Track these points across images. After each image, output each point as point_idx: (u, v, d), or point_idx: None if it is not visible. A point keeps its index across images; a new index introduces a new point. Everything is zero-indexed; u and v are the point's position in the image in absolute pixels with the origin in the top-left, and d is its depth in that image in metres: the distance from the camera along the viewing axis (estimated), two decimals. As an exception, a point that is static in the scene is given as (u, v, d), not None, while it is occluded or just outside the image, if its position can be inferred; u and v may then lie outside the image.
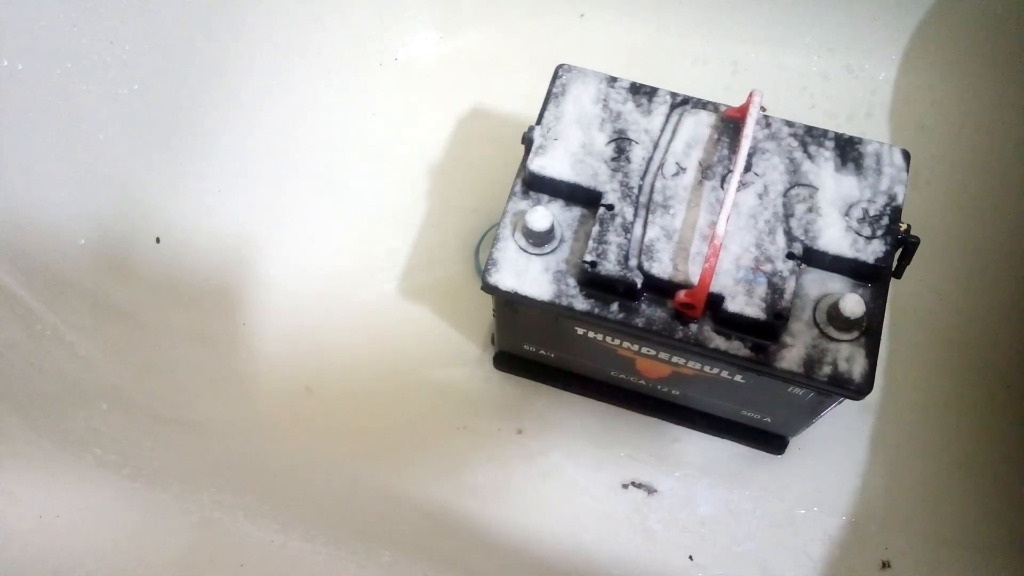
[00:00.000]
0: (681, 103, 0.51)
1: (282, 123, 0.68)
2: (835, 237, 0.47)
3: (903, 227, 0.48)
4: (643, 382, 0.58)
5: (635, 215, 0.48)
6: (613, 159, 0.49)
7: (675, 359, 0.51)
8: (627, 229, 0.47)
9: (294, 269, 0.67)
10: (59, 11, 0.52)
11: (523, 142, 0.50)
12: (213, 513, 0.47)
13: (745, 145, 0.46)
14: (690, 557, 0.60)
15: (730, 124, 0.50)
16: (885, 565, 0.59)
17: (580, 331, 0.52)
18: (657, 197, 0.48)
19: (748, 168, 0.49)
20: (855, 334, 0.46)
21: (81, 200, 0.55)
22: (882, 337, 0.47)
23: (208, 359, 0.61)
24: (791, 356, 0.46)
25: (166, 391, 0.56)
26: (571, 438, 0.63)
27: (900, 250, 0.48)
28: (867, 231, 0.47)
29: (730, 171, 0.48)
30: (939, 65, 0.73)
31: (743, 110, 0.48)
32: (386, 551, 0.51)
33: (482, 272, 0.48)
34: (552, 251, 0.48)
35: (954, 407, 0.64)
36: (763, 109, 0.49)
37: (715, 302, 0.46)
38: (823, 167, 0.49)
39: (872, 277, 0.47)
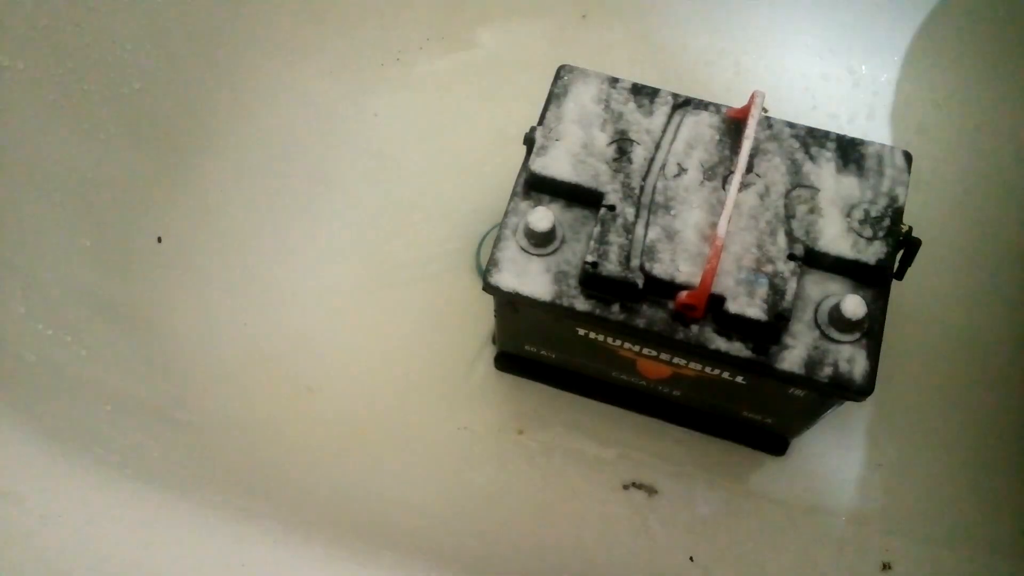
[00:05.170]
0: (683, 104, 0.51)
1: (283, 122, 0.68)
2: (836, 238, 0.47)
3: (905, 228, 0.48)
4: (644, 383, 0.58)
5: (636, 216, 0.48)
6: (615, 160, 0.49)
7: (676, 360, 0.51)
8: (628, 230, 0.47)
9: (294, 269, 0.67)
10: (61, 10, 0.52)
11: (524, 142, 0.50)
12: (214, 513, 0.47)
13: (747, 146, 0.46)
14: (691, 558, 0.59)
15: (732, 125, 0.50)
16: (886, 567, 0.59)
17: (581, 332, 0.51)
18: (659, 198, 0.48)
19: (749, 169, 0.49)
20: (856, 335, 0.46)
21: (83, 200, 0.55)
22: (883, 339, 0.47)
23: (209, 359, 0.61)
24: (792, 357, 0.46)
25: (168, 391, 0.56)
26: (572, 439, 0.63)
27: (901, 251, 0.48)
28: (868, 232, 0.47)
29: (731, 172, 0.48)
30: (941, 67, 0.73)
31: (745, 111, 0.48)
32: (386, 551, 0.51)
33: (483, 272, 0.48)
34: (553, 251, 0.48)
35: (955, 409, 0.64)
36: (765, 110, 0.49)
37: (716, 303, 0.46)
38: (824, 168, 0.49)
39: (873, 278, 0.47)
